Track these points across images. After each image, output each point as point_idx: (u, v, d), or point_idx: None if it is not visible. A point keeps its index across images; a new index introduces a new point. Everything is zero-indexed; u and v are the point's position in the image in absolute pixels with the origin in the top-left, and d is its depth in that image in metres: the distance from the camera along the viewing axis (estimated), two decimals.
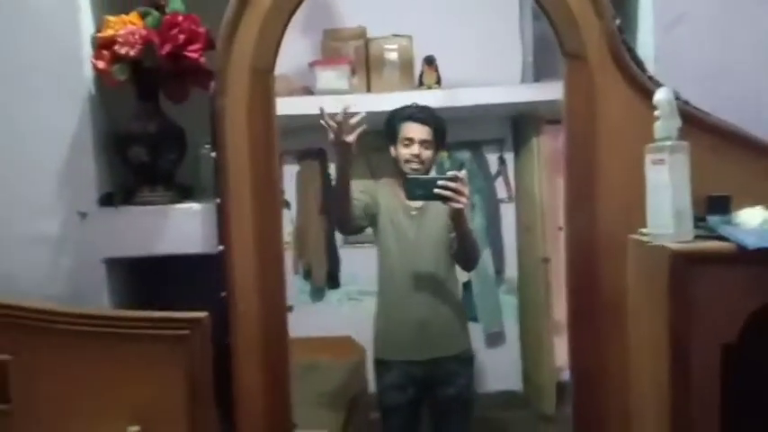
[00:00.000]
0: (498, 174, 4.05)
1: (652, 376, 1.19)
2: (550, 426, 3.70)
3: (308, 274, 4.04)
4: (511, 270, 4.08)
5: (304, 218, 3.98)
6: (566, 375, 4.08)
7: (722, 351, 1.08)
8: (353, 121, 1.77)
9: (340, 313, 4.03)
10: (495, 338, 4.04)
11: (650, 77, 1.28)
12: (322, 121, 1.74)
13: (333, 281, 4.05)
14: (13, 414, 1.30)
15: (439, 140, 2.18)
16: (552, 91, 3.35)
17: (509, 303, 4.09)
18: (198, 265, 1.38)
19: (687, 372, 1.10)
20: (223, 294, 1.32)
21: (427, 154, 2.11)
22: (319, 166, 3.97)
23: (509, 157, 4.03)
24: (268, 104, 1.33)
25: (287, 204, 4.01)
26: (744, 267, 1.07)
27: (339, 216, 2.09)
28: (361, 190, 2.24)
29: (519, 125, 3.99)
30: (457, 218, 1.88)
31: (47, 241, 1.41)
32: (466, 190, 1.79)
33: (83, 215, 1.40)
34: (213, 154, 1.32)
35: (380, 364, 2.20)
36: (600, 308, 1.31)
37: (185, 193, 1.51)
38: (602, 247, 1.30)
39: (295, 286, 3.98)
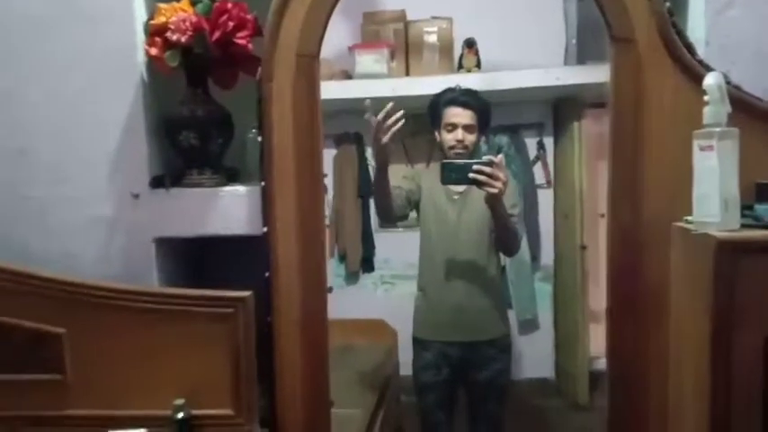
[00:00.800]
0: (537, 159, 4.01)
1: (693, 369, 1.18)
2: (583, 415, 3.69)
3: (343, 258, 4.09)
4: (547, 257, 4.05)
5: (341, 202, 4.02)
6: (599, 365, 4.12)
7: (765, 344, 1.07)
8: (390, 122, 1.79)
9: (374, 297, 4.09)
10: (528, 325, 4.04)
11: (700, 61, 1.25)
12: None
13: (367, 265, 4.10)
14: (67, 384, 1.37)
15: (483, 124, 2.17)
16: (596, 74, 3.33)
17: (544, 291, 4.07)
18: (243, 246, 1.42)
19: (729, 365, 1.08)
20: (267, 274, 1.36)
21: (471, 138, 2.10)
22: (356, 150, 4.01)
23: (548, 141, 3.99)
24: (313, 90, 1.36)
25: (324, 188, 4.04)
26: None
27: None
28: (404, 175, 2.27)
29: (560, 109, 3.94)
30: (492, 203, 1.87)
31: (102, 222, 1.48)
32: (502, 174, 1.78)
33: (135, 196, 1.46)
34: (259, 138, 1.35)
35: (417, 342, 2.23)
36: (641, 298, 1.30)
37: (232, 176, 1.56)
38: (646, 235, 1.29)
39: (330, 269, 4.08)
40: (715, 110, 1.12)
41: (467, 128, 2.09)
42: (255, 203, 1.40)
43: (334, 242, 4.06)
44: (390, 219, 2.22)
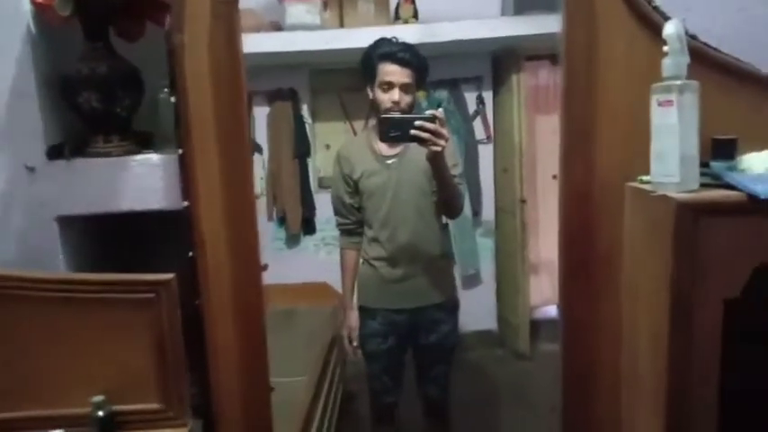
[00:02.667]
0: (476, 113, 3.95)
1: (649, 333, 1.13)
2: (525, 362, 3.84)
3: (282, 221, 3.96)
4: (488, 212, 4.07)
5: (276, 162, 3.84)
6: (538, 314, 4.23)
7: (725, 307, 1.02)
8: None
9: (316, 259, 3.99)
10: (471, 280, 4.08)
11: (656, 8, 1.16)
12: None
13: (308, 227, 3.98)
14: None
15: (420, 82, 2.03)
16: (534, 25, 3.27)
17: (485, 245, 4.10)
18: (162, 222, 1.26)
19: (688, 327, 1.04)
20: (190, 254, 1.21)
21: (407, 100, 1.96)
22: (291, 107, 3.81)
23: (487, 96, 3.93)
24: (233, 40, 1.18)
25: (258, 148, 3.87)
26: (753, 219, 1.00)
27: None
28: (336, 164, 2.15)
29: (498, 62, 3.87)
30: (435, 161, 1.76)
31: None
32: (444, 131, 1.67)
33: (30, 169, 1.26)
34: (172, 99, 1.17)
35: (363, 311, 2.17)
36: (595, 259, 1.24)
37: (144, 143, 1.37)
38: (599, 194, 1.22)
39: (270, 233, 3.96)
40: (675, 61, 1.04)
41: (404, 87, 1.94)
42: (173, 174, 1.23)
43: (272, 205, 3.91)
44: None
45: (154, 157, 1.28)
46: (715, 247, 1.01)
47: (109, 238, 1.47)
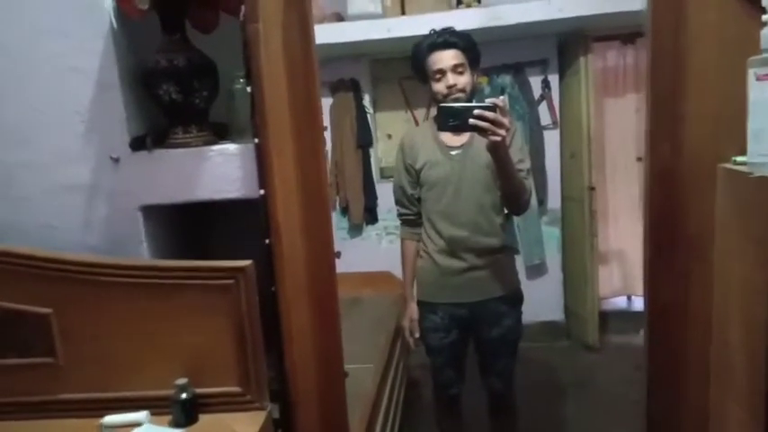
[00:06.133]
0: (542, 98, 3.84)
1: (744, 321, 1.07)
2: (593, 355, 3.75)
3: (345, 211, 3.99)
4: (554, 200, 3.97)
5: (340, 152, 3.88)
6: (607, 305, 4.09)
7: None
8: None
9: (379, 248, 4.01)
10: (536, 270, 3.99)
11: None
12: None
13: (371, 216, 4.01)
14: (59, 367, 1.27)
15: (473, 61, 1.97)
16: (602, 4, 3.14)
17: (551, 234, 4.01)
18: (241, 210, 1.29)
19: None
20: (267, 241, 1.23)
21: (464, 80, 1.92)
22: (353, 97, 3.83)
23: (553, 79, 3.81)
24: (306, 30, 1.18)
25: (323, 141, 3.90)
26: None
27: None
28: (400, 152, 2.13)
29: (564, 44, 3.75)
30: (495, 151, 1.70)
31: (79, 189, 1.33)
32: (506, 120, 1.62)
33: (115, 160, 1.31)
34: (249, 89, 1.19)
35: (424, 305, 2.14)
36: (683, 244, 1.17)
37: (221, 134, 1.40)
38: (687, 176, 1.15)
39: (333, 222, 3.96)
40: None
41: (456, 69, 1.90)
42: (250, 163, 1.25)
43: (335, 195, 3.96)
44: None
45: (231, 146, 1.30)
46: None
47: (190, 225, 1.52)
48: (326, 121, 3.86)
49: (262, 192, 1.23)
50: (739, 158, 1.08)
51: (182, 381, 1.23)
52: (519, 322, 2.14)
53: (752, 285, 1.02)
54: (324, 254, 1.29)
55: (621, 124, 3.96)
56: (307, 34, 1.19)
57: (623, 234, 4.17)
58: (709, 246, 1.17)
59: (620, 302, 4.41)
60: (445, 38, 1.92)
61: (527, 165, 1.99)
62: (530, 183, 1.98)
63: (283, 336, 1.30)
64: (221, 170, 1.29)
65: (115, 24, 1.29)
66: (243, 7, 1.18)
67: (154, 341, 1.24)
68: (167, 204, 1.34)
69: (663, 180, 1.16)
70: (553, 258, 4.01)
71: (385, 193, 3.89)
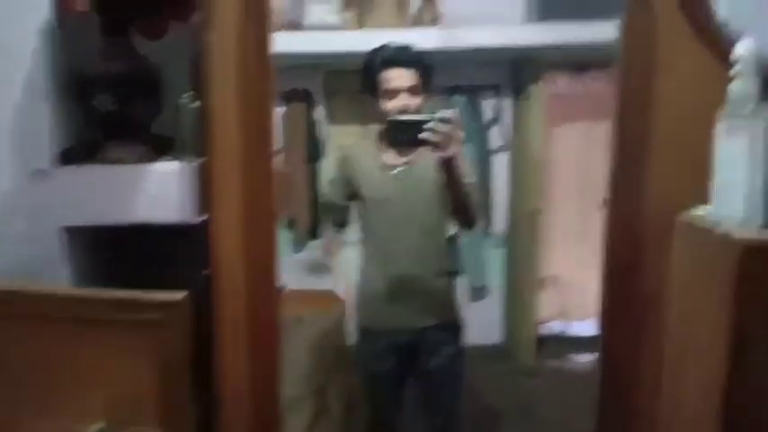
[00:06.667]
0: (493, 122, 3.86)
1: (700, 385, 1.04)
2: (532, 380, 3.73)
3: (291, 224, 3.87)
4: (499, 223, 3.97)
5: (290, 165, 3.76)
6: (546, 329, 4.14)
7: None
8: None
9: (323, 265, 3.89)
10: (478, 292, 3.98)
11: (721, 25, 1.07)
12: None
13: (316, 231, 3.89)
14: None
15: (426, 83, 1.88)
16: (559, 33, 3.18)
17: (495, 257, 4.01)
18: (178, 236, 1.17)
19: (746, 380, 0.95)
20: (205, 272, 1.12)
21: (416, 102, 1.82)
22: (305, 109, 3.73)
23: (506, 103, 3.84)
24: (263, 41, 1.09)
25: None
26: None
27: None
28: (337, 163, 2.03)
29: (518, 70, 3.77)
30: (447, 168, 1.61)
31: None
32: (459, 134, 1.54)
33: (38, 174, 1.17)
34: (196, 103, 1.08)
35: (363, 331, 2.05)
36: (640, 298, 1.14)
37: (164, 149, 1.27)
38: (648, 226, 1.12)
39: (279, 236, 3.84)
40: (745, 85, 0.95)
41: (411, 90, 1.80)
42: (192, 184, 1.14)
43: (283, 207, 3.82)
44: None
45: (172, 165, 1.18)
46: None
47: (121, 251, 1.37)
48: (277, 132, 3.77)
49: (203, 217, 1.12)
50: (701, 210, 1.06)
51: (97, 426, 1.10)
52: (461, 354, 2.05)
53: (711, 349, 0.99)
54: (267, 288, 1.19)
55: (568, 151, 4.02)
56: (264, 47, 1.09)
57: (564, 259, 4.23)
58: (666, 301, 1.14)
59: (555, 327, 4.47)
60: (405, 56, 1.83)
61: (474, 177, 1.91)
62: (478, 196, 1.91)
63: (217, 375, 1.19)
64: (159, 191, 1.17)
65: (51, 22, 1.15)
66: (196, 15, 1.08)
67: (70, 379, 1.10)
68: (95, 226, 1.20)
69: (623, 229, 1.13)
70: (496, 281, 4.02)
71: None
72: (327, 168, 3.86)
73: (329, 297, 3.47)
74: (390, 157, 1.93)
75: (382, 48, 1.88)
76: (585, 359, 3.83)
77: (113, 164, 1.18)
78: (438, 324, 1.98)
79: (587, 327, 4.05)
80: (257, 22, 1.08)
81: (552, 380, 3.70)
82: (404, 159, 1.91)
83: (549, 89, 3.68)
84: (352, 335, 2.17)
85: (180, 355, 1.11)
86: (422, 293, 1.95)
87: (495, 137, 3.87)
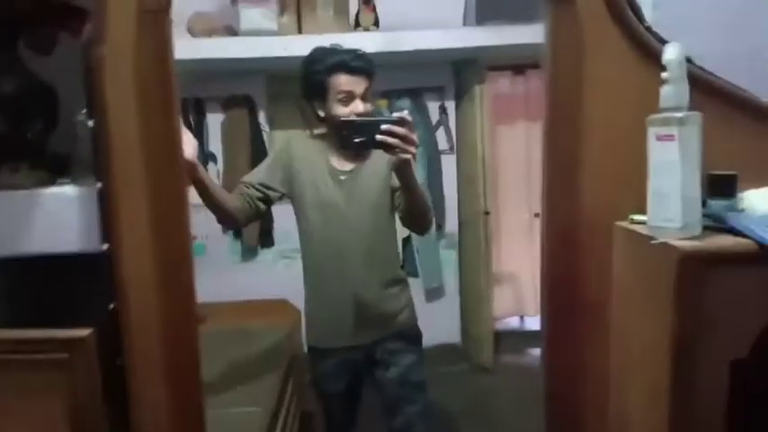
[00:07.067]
0: (439, 123, 3.83)
1: (645, 387, 1.00)
2: (490, 377, 3.76)
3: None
4: (451, 224, 3.97)
5: (232, 172, 3.63)
6: (502, 325, 4.16)
7: (731, 369, 0.90)
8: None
9: (274, 272, 3.81)
10: (434, 293, 3.98)
11: (648, 29, 1.03)
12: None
13: (266, 239, 3.81)
14: None
15: (372, 88, 1.80)
16: (497, 36, 3.17)
17: (449, 258, 4.01)
18: (80, 267, 1.06)
19: (690, 388, 0.92)
20: (111, 306, 1.02)
21: (368, 107, 1.75)
22: (247, 114, 3.64)
23: (450, 105, 3.83)
24: (163, 54, 0.99)
25: (212, 157, 3.67)
26: (763, 270, 0.88)
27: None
28: (269, 163, 1.89)
29: (460, 72, 3.77)
30: (403, 170, 1.55)
31: None
32: (414, 136, 1.48)
33: None
34: (90, 122, 0.98)
35: (313, 351, 1.95)
36: (581, 305, 1.10)
37: (62, 170, 1.16)
38: (586, 235, 1.08)
39: (226, 245, 3.79)
40: (675, 90, 0.91)
41: (365, 96, 1.74)
42: (92, 209, 1.03)
43: None
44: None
45: (68, 189, 1.06)
46: (720, 302, 0.88)
47: (25, 283, 1.24)
48: (217, 139, 3.67)
49: (105, 246, 1.02)
50: (637, 217, 1.02)
51: None
52: (421, 362, 1.95)
53: (653, 352, 0.95)
54: (184, 319, 1.09)
55: (514, 150, 4.04)
56: (165, 60, 0.99)
57: (515, 256, 4.25)
58: (608, 309, 1.10)
59: (512, 322, 4.48)
60: (359, 63, 1.72)
61: (423, 180, 1.87)
62: (428, 197, 1.80)
63: (133, 420, 1.09)
64: (56, 218, 1.05)
65: None
66: (87, 26, 0.98)
67: None
68: None
69: (561, 240, 1.08)
70: (450, 281, 4.01)
71: (281, 215, 3.67)
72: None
73: (281, 306, 3.36)
74: (336, 161, 1.83)
75: (331, 51, 1.77)
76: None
77: (5, 190, 1.06)
78: (393, 333, 1.89)
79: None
80: (155, 34, 0.98)
81: (510, 376, 3.72)
82: (351, 165, 1.82)
83: (491, 90, 3.68)
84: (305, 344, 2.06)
85: (91, 398, 1.01)
86: (372, 306, 1.85)
87: (443, 138, 3.84)
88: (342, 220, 1.80)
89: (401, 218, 1.82)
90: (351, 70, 1.72)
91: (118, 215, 1.01)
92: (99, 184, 1.00)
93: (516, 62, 3.81)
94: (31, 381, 1.00)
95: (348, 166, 1.83)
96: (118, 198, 1.00)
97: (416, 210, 1.72)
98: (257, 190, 1.82)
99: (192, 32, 3.12)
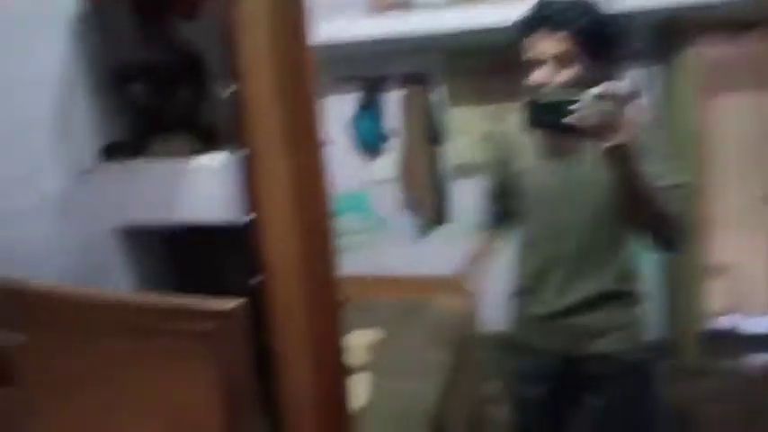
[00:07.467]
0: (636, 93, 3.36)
1: None
2: (692, 381, 3.27)
3: (415, 209, 3.76)
4: None
5: (411, 147, 3.67)
6: (715, 325, 3.62)
7: None
8: None
9: (449, 249, 3.71)
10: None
11: None
12: None
13: (442, 215, 3.75)
14: (17, 402, 1.08)
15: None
16: None
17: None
18: (227, 237, 1.04)
19: None
20: (256, 280, 0.98)
21: (566, 74, 1.38)
22: (425, 91, 3.60)
23: (648, 73, 3.36)
24: (299, 13, 0.91)
25: (393, 133, 3.67)
26: None
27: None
28: (490, 145, 1.77)
29: (664, 35, 3.27)
30: (613, 160, 1.22)
31: (39, 206, 1.10)
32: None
33: (84, 173, 1.09)
34: (230, 89, 0.94)
35: (512, 346, 1.75)
36: None
37: (212, 141, 1.16)
38: None
39: (403, 221, 3.79)
40: None
41: (558, 59, 1.38)
42: (237, 179, 0.99)
43: (405, 191, 3.74)
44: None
45: (213, 158, 1.04)
46: None
47: (174, 254, 1.28)
48: (398, 114, 3.68)
49: (250, 216, 0.98)
50: None
51: None
52: (644, 396, 1.57)
53: None
54: (327, 294, 1.02)
55: (728, 126, 3.45)
56: (301, 20, 0.91)
57: (735, 245, 3.67)
58: None
59: (729, 322, 3.93)
60: (549, 15, 1.38)
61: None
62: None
63: (278, 393, 1.05)
64: (202, 187, 1.04)
65: (80, 11, 1.06)
66: None
67: (119, 396, 1.02)
68: (148, 226, 1.11)
69: None
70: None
71: (459, 193, 3.64)
72: (452, 153, 3.67)
73: (456, 282, 3.25)
74: (550, 141, 1.54)
75: (534, 7, 1.45)
76: (760, 359, 3.44)
77: (155, 158, 1.08)
78: (604, 353, 1.57)
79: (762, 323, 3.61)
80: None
81: (718, 381, 3.28)
82: (569, 146, 1.50)
83: (705, 55, 3.13)
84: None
85: (241, 369, 0.98)
86: (585, 310, 1.55)
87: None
88: (557, 209, 1.54)
89: (627, 224, 1.47)
90: (539, 27, 1.40)
91: (260, 185, 0.96)
92: (243, 152, 0.95)
93: (731, 21, 3.24)
94: (182, 349, 0.99)
95: (571, 144, 1.50)
96: (259, 167, 0.96)
97: (638, 215, 1.36)
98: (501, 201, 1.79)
99: (372, 8, 3.12)
